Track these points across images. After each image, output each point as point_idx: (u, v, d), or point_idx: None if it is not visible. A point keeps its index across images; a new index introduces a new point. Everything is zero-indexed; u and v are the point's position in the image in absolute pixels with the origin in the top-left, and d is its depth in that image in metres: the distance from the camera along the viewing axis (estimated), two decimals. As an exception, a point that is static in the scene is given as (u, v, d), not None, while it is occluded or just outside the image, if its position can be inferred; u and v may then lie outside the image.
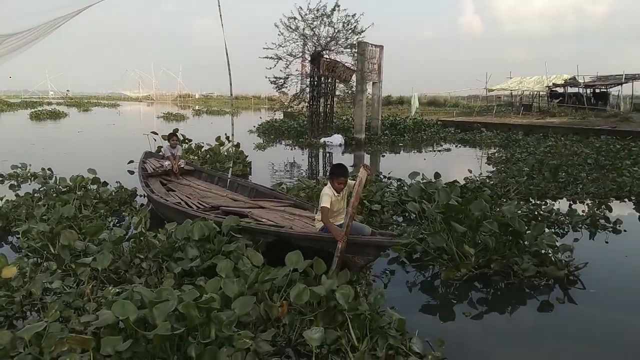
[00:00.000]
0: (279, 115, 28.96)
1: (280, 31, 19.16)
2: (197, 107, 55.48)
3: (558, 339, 3.94)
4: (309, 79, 19.97)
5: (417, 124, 23.73)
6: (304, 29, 19.15)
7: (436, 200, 5.82)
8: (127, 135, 22.05)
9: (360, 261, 4.62)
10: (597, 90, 33.35)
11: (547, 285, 4.88)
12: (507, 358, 3.72)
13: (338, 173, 4.97)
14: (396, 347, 3.41)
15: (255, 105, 64.48)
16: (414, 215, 6.65)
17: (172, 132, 10.24)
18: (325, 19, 18.95)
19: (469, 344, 3.86)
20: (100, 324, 3.09)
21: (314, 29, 19.08)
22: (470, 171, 10.30)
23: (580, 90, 33.39)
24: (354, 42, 19.29)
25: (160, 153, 10.87)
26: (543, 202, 7.92)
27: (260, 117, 31.40)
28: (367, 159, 16.38)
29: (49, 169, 10.22)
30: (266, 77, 19.70)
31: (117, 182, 8.73)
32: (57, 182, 8.43)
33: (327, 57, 19.43)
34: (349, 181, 4.96)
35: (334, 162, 14.34)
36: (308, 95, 20.25)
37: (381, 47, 20.48)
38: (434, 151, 17.88)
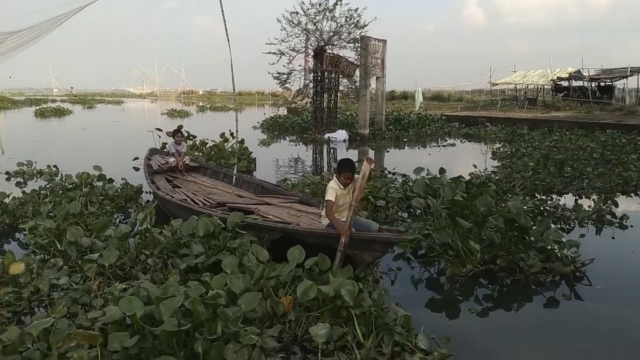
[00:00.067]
0: (283, 111, 28.95)
1: (282, 26, 19.12)
2: (200, 104, 55.49)
3: (564, 336, 3.93)
4: (312, 75, 19.93)
5: (421, 119, 23.66)
6: (306, 23, 19.09)
7: (441, 195, 5.80)
8: (132, 132, 22.10)
9: (367, 258, 4.60)
10: (602, 84, 33.09)
11: (553, 282, 4.87)
12: (513, 355, 3.72)
13: (345, 168, 4.96)
14: (402, 344, 3.41)
15: (259, 101, 64.44)
16: (419, 211, 6.64)
17: (176, 128, 10.23)
18: (327, 13, 18.88)
19: (475, 341, 3.85)
20: (108, 320, 3.10)
21: (317, 24, 19.03)
22: (475, 166, 10.27)
23: (585, 84, 33.17)
24: (357, 37, 19.21)
25: (165, 150, 10.88)
26: (549, 198, 7.89)
27: (264, 113, 31.39)
28: (371, 154, 16.35)
29: (55, 166, 10.26)
30: (269, 73, 19.68)
31: (122, 178, 8.75)
32: (63, 179, 8.47)
33: (330, 52, 19.38)
34: (355, 176, 4.96)
35: (338, 158, 14.33)
36: (311, 91, 20.22)
37: (384, 41, 20.40)
38: (439, 146, 17.84)
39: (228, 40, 7.71)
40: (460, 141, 19.46)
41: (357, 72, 19.95)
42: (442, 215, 5.62)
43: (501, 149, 15.11)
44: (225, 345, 3.04)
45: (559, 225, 6.68)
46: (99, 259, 4.41)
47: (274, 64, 19.30)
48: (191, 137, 13.79)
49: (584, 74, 32.26)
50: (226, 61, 7.86)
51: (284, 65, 19.46)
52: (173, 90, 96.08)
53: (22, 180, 10.10)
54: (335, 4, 18.76)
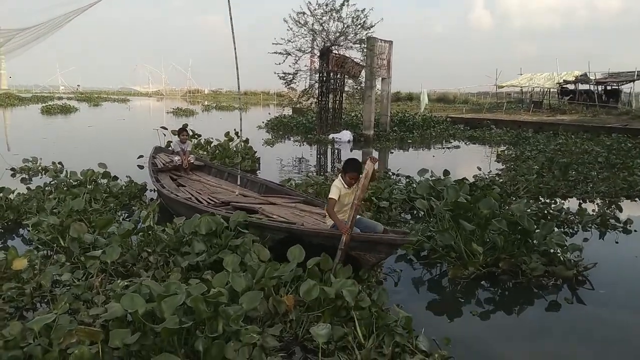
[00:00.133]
0: (288, 111, 28.94)
1: (289, 26, 19.13)
2: (206, 103, 55.61)
3: (566, 340, 3.92)
4: (317, 75, 19.93)
5: (426, 121, 23.65)
6: (313, 24, 19.10)
7: (445, 197, 5.79)
8: (137, 130, 22.18)
9: (372, 259, 4.59)
10: (609, 88, 32.97)
11: (556, 285, 4.85)
12: (514, 358, 3.70)
13: (351, 168, 4.97)
14: (402, 345, 3.40)
15: (264, 101, 64.50)
16: (423, 213, 6.63)
17: (181, 127, 10.26)
18: (334, 14, 18.88)
19: (476, 343, 3.84)
20: (109, 316, 3.11)
21: (323, 24, 19.03)
22: (479, 169, 10.25)
23: (592, 88, 33.04)
24: (363, 38, 19.21)
25: (170, 148, 10.91)
26: (553, 201, 7.87)
27: (269, 113, 31.43)
28: (375, 155, 16.34)
29: (60, 163, 10.30)
30: (275, 73, 19.69)
31: (127, 176, 8.78)
32: (68, 176, 8.50)
33: (336, 52, 19.38)
34: (360, 176, 4.96)
35: (342, 159, 14.34)
36: (317, 91, 20.23)
37: (390, 42, 20.39)
38: (443, 148, 17.81)
39: (234, 40, 7.73)
40: (465, 143, 19.43)
41: (363, 73, 19.95)
42: (445, 217, 5.61)
43: (506, 151, 15.08)
44: (226, 344, 3.05)
45: (562, 229, 6.66)
46: (102, 256, 4.43)
47: (280, 64, 19.33)
48: (196, 136, 13.84)
49: (591, 77, 32.13)
50: (232, 61, 7.87)
51: (289, 66, 19.49)
52: (179, 89, 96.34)
53: (27, 177, 10.15)
54: (342, 4, 18.77)
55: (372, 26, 19.13)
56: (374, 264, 4.72)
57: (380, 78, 20.46)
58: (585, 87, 33.67)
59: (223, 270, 4.00)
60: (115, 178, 8.53)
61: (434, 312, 4.40)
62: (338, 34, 19.09)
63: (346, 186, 4.98)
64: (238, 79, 7.91)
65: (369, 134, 19.38)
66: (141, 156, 11.38)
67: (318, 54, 19.60)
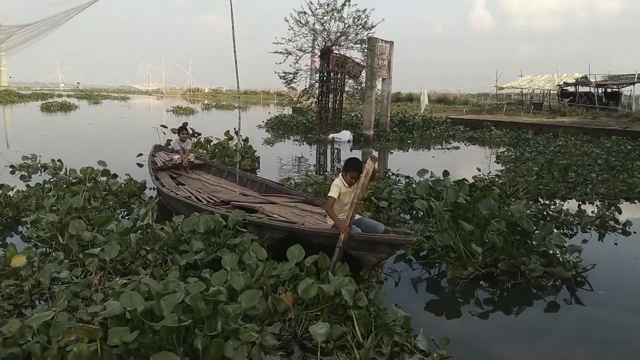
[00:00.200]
0: (288, 111, 28.94)
1: (290, 26, 19.13)
2: (206, 101, 55.59)
3: (565, 340, 3.92)
4: (318, 75, 19.93)
5: (426, 122, 23.65)
6: (314, 23, 19.10)
7: (444, 198, 5.80)
8: (137, 128, 22.16)
9: (373, 259, 4.58)
10: (609, 90, 33.01)
11: (555, 286, 4.85)
12: (513, 358, 3.70)
13: (352, 167, 4.97)
14: (401, 344, 3.41)
15: (264, 100, 64.50)
16: (422, 213, 6.63)
17: (181, 125, 10.24)
18: (335, 13, 18.88)
19: (474, 343, 3.84)
20: (108, 314, 3.11)
21: (324, 24, 19.03)
22: (479, 170, 10.25)
23: (592, 90, 33.07)
24: (364, 38, 19.21)
25: (170, 147, 10.91)
26: (552, 202, 7.87)
27: (269, 113, 31.41)
28: (375, 155, 16.33)
29: (59, 161, 10.29)
30: (275, 72, 19.69)
31: (126, 174, 8.78)
32: (67, 174, 8.49)
33: (337, 52, 19.38)
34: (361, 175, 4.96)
35: (342, 159, 14.35)
36: (317, 91, 20.22)
37: (391, 43, 20.39)
38: (443, 149, 17.81)
39: (234, 40, 7.71)
40: (465, 144, 19.44)
41: (363, 73, 19.95)
42: (444, 217, 5.61)
43: (505, 153, 15.09)
44: (225, 342, 3.05)
45: (561, 230, 6.66)
46: (101, 254, 4.43)
47: (280, 63, 19.33)
48: (196, 135, 13.83)
49: (591, 79, 32.16)
50: (232, 60, 7.85)
51: (290, 65, 19.50)
52: (179, 87, 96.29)
53: (26, 174, 10.13)
54: (344, 4, 18.76)
55: (373, 26, 19.15)
56: (375, 264, 4.71)
57: (381, 78, 20.46)
58: (586, 89, 33.73)
59: (221, 269, 4.00)
60: (115, 176, 8.52)
61: (432, 312, 4.40)
62: (339, 34, 19.09)
63: (346, 185, 4.98)
64: (237, 77, 7.90)
65: (369, 134, 19.38)
66: (140, 154, 11.38)
67: (319, 54, 19.59)
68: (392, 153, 16.79)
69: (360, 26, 19.09)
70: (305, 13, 18.97)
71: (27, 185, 7.98)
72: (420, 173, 8.05)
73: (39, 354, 2.92)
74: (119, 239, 4.83)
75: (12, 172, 10.22)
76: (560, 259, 5.13)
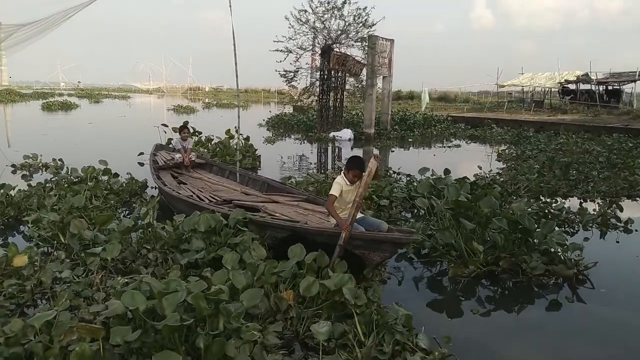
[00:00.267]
0: (289, 109, 28.95)
1: (290, 24, 19.14)
2: (207, 100, 55.60)
3: (566, 338, 3.92)
4: (318, 73, 19.93)
5: (427, 120, 23.63)
6: (314, 22, 19.12)
7: (445, 196, 5.79)
8: (138, 127, 22.17)
9: (376, 258, 4.56)
10: (610, 88, 32.96)
11: (556, 284, 4.85)
12: (514, 356, 3.70)
13: (354, 165, 4.96)
14: (402, 343, 3.40)
15: (265, 98, 64.49)
16: (423, 211, 6.62)
17: (182, 124, 10.25)
18: (336, 12, 18.91)
19: (476, 341, 3.84)
20: (110, 313, 3.11)
21: (325, 22, 19.04)
22: (480, 168, 10.24)
23: (593, 87, 33.03)
24: (365, 36, 19.21)
25: (171, 145, 10.91)
26: (553, 200, 7.86)
27: (270, 111, 31.41)
28: (376, 153, 16.34)
29: (60, 160, 10.30)
30: (276, 71, 19.70)
31: (127, 173, 8.78)
32: (69, 173, 8.50)
33: (338, 50, 19.37)
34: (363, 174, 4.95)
35: (343, 157, 14.35)
36: (318, 89, 20.22)
37: (392, 40, 20.36)
38: (444, 147, 17.81)
39: (233, 38, 7.71)
40: (466, 142, 19.42)
41: (364, 71, 19.94)
42: (445, 215, 5.61)
43: (507, 151, 15.07)
44: (226, 341, 3.05)
45: (563, 228, 6.66)
46: (102, 253, 4.42)
47: (281, 61, 19.34)
48: (197, 134, 13.83)
49: (592, 77, 32.12)
50: (233, 58, 7.85)
51: (290, 63, 19.51)
52: (179, 86, 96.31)
53: (27, 173, 10.15)
54: (344, 2, 18.78)
55: (373, 24, 19.19)
56: (378, 263, 4.69)
57: (382, 76, 20.44)
58: (587, 86, 33.66)
59: (222, 268, 4.01)
60: (116, 175, 8.53)
61: (434, 311, 4.40)
62: (339, 32, 19.11)
63: (348, 183, 4.97)
64: (237, 76, 7.90)
65: (370, 133, 19.37)
66: (141, 153, 11.38)
67: (319, 52, 19.59)
68: (393, 151, 16.78)
69: (361, 24, 19.14)
70: (305, 11, 18.98)
71: (29, 185, 7.99)
72: (421, 171, 8.03)
73: (41, 354, 2.92)
74: (120, 238, 4.82)
75: (14, 172, 10.23)
76: (562, 257, 5.12)
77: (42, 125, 22.23)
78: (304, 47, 19.44)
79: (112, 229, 5.12)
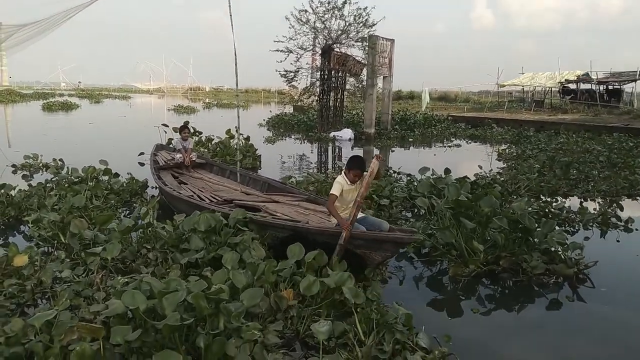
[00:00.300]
0: (289, 109, 28.94)
1: (291, 24, 19.13)
2: (207, 100, 55.60)
3: (566, 337, 3.92)
4: (319, 73, 19.93)
5: (428, 119, 23.62)
6: (314, 22, 19.10)
7: (446, 195, 5.79)
8: (138, 127, 22.18)
9: (378, 257, 4.55)
10: (610, 87, 32.94)
11: (556, 283, 4.85)
12: (514, 355, 3.70)
13: (355, 165, 4.96)
14: (403, 342, 3.40)
15: (265, 98, 64.51)
16: (423, 211, 6.62)
17: (183, 124, 10.25)
18: (336, 12, 18.89)
19: (476, 340, 3.84)
20: (110, 313, 3.11)
21: (325, 22, 19.02)
22: (480, 167, 10.24)
23: (593, 87, 33.01)
24: (365, 36, 19.20)
25: (171, 145, 10.91)
26: (554, 200, 7.85)
27: (270, 111, 31.41)
28: (376, 153, 16.33)
29: (61, 160, 10.30)
30: (276, 71, 19.70)
31: (128, 173, 8.78)
32: (69, 173, 8.50)
33: (338, 50, 19.36)
34: (364, 173, 4.95)
35: (343, 157, 14.35)
36: (318, 89, 20.21)
37: (392, 40, 20.36)
38: (444, 147, 17.79)
39: (234, 39, 7.71)
40: (466, 142, 19.41)
41: (364, 71, 19.93)
42: (446, 215, 5.61)
43: (507, 150, 15.06)
44: (227, 340, 3.05)
45: (563, 228, 6.66)
46: (102, 253, 4.43)
47: (281, 61, 19.34)
48: (197, 134, 13.83)
49: (592, 76, 32.10)
50: (233, 58, 7.85)
51: (291, 63, 19.50)
52: (180, 86, 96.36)
53: (28, 173, 10.15)
54: (344, 2, 18.76)
55: (374, 24, 19.16)
56: (380, 263, 4.68)
57: (382, 76, 20.44)
58: (587, 86, 33.66)
59: (222, 268, 4.01)
60: (117, 175, 8.52)
61: (434, 310, 4.40)
62: (340, 32, 19.10)
63: (349, 183, 4.97)
64: (237, 75, 7.90)
65: (370, 132, 19.36)
66: (142, 153, 11.38)
67: (319, 52, 19.59)
68: (393, 151, 16.78)
69: (361, 24, 19.12)
70: (306, 11, 18.98)
71: (29, 185, 7.99)
72: (422, 171, 8.03)
73: (42, 353, 2.92)
74: (120, 237, 4.83)
75: (14, 172, 10.23)
76: (562, 256, 5.12)
77: (43, 125, 22.24)
78: (304, 47, 19.45)
79: (113, 229, 5.12)
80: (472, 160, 13.78)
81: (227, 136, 13.45)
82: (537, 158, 12.20)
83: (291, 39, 19.17)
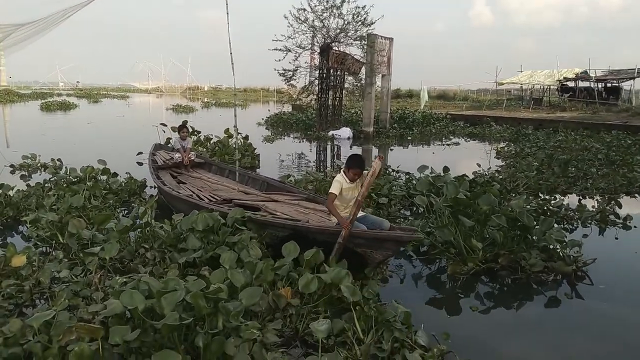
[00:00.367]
0: (288, 108, 28.93)
1: (289, 23, 19.10)
2: (205, 100, 55.56)
3: (565, 334, 3.92)
4: (317, 72, 19.91)
5: (426, 118, 23.62)
6: (313, 20, 19.07)
7: (444, 194, 5.79)
8: (137, 126, 22.16)
9: (378, 256, 4.54)
10: (609, 85, 32.97)
11: (555, 281, 4.85)
12: (513, 353, 3.70)
13: (355, 164, 4.95)
14: (401, 340, 3.41)
15: (264, 97, 64.46)
16: (422, 209, 6.63)
17: (181, 124, 10.23)
18: (334, 10, 18.85)
19: (475, 338, 3.85)
20: (109, 313, 3.11)
21: (324, 21, 18.99)
22: (479, 165, 10.24)
23: (592, 85, 33.03)
24: (364, 34, 19.18)
25: (170, 145, 10.89)
26: (552, 197, 7.86)
27: (269, 110, 31.39)
28: (375, 152, 16.33)
29: (59, 160, 10.29)
30: (275, 70, 19.68)
31: (126, 173, 8.77)
32: (68, 173, 8.49)
33: (337, 49, 19.34)
34: (363, 172, 4.95)
35: (342, 155, 14.34)
36: (317, 88, 20.20)
37: (391, 39, 20.35)
38: (443, 145, 17.80)
39: (229, 38, 7.71)
40: (465, 140, 19.42)
41: (363, 70, 19.92)
42: (444, 213, 5.61)
43: (505, 148, 15.07)
44: (226, 340, 3.05)
45: (562, 225, 6.66)
46: (101, 252, 4.42)
47: (280, 60, 19.30)
48: (196, 133, 13.82)
49: (591, 74, 32.13)
50: (233, 57, 7.85)
51: (290, 62, 19.47)
52: (178, 85, 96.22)
53: (26, 174, 10.14)
54: (343, 1, 18.72)
55: (372, 23, 19.12)
56: (380, 262, 4.67)
57: (380, 75, 20.43)
58: (586, 84, 33.69)
59: (220, 267, 4.01)
60: (115, 175, 8.52)
61: (433, 308, 4.40)
62: (338, 31, 19.06)
63: (348, 181, 4.97)
64: (234, 74, 7.91)
65: (369, 131, 19.36)
66: (140, 153, 11.36)
67: (318, 51, 19.57)
68: (392, 149, 16.78)
69: (360, 23, 19.07)
70: (304, 10, 18.95)
71: (27, 185, 7.98)
72: (421, 169, 8.03)
73: (40, 354, 2.92)
74: (119, 237, 4.82)
75: (12, 172, 10.22)
76: (561, 254, 5.13)
77: (41, 125, 22.20)
78: (303, 45, 19.41)
79: (111, 229, 5.11)
80: (470, 158, 13.78)
81: (226, 135, 13.44)
82: (535, 156, 12.21)
83: (290, 37, 19.15)
